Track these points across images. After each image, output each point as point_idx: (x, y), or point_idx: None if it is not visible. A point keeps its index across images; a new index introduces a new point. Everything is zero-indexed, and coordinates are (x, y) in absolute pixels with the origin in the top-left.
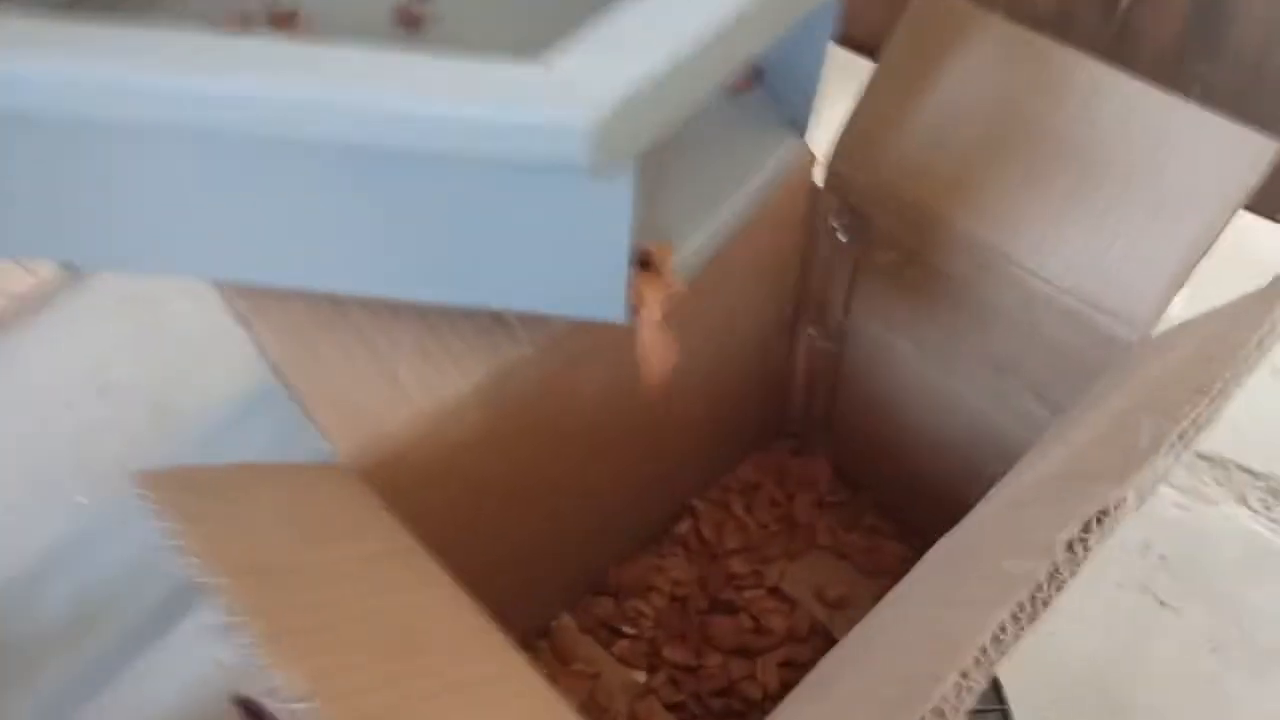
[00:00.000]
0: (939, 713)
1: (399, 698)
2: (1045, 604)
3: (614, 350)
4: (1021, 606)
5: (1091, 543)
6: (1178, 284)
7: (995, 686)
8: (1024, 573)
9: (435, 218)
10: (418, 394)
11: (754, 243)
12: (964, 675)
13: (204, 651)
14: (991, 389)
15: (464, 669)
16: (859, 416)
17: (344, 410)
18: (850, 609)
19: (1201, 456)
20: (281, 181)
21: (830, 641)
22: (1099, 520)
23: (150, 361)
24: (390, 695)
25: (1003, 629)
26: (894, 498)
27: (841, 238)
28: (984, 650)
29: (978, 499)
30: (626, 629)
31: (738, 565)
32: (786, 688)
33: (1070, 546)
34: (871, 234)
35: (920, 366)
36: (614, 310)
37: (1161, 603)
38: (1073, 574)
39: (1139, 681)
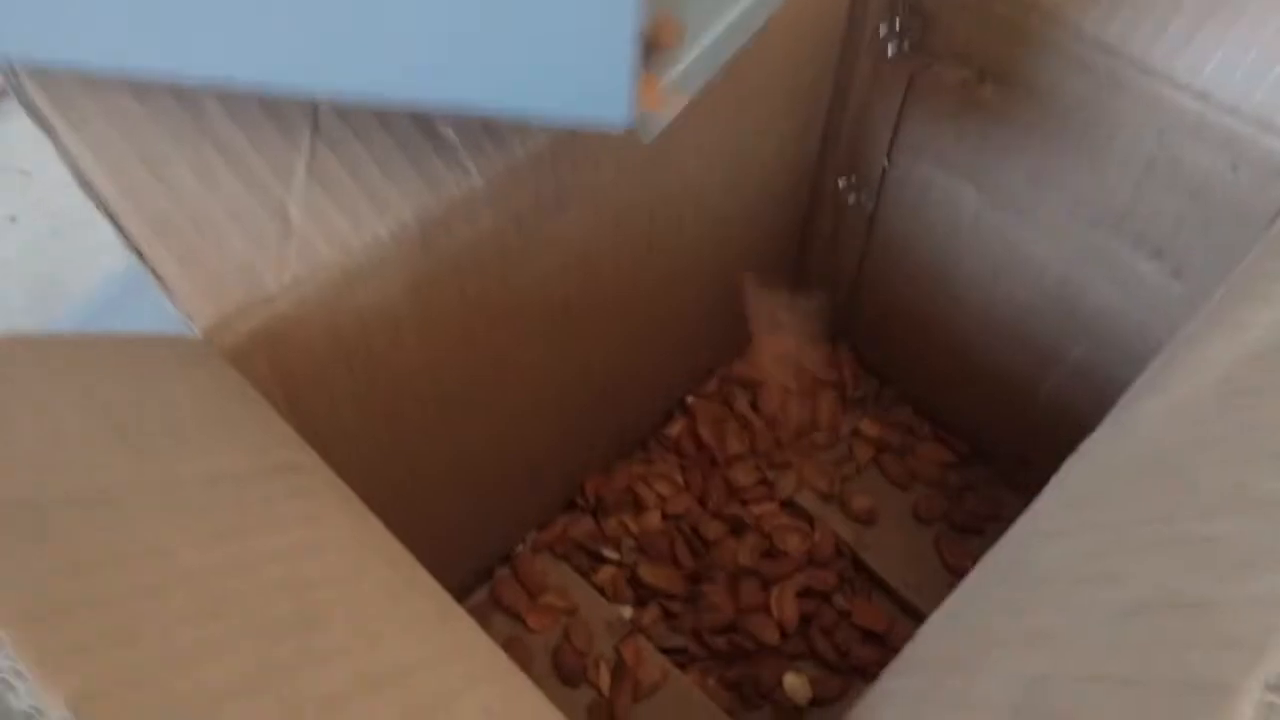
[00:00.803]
0: None
1: (273, 707)
2: None
3: (596, 190)
4: None
5: None
6: None
7: None
8: None
9: None
10: (316, 241)
11: (773, 54)
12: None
13: None
14: (1085, 249)
15: (383, 650)
16: (895, 289)
17: (204, 262)
18: (881, 526)
19: None
20: None
21: (859, 566)
22: None
23: (28, 235)
24: (257, 705)
25: None
26: (932, 390)
27: (892, 48)
28: None
29: (1050, 390)
30: (608, 553)
31: (743, 474)
32: (807, 622)
33: None
34: (935, 41)
35: (986, 222)
36: (611, 109)
37: None
38: None
39: None
